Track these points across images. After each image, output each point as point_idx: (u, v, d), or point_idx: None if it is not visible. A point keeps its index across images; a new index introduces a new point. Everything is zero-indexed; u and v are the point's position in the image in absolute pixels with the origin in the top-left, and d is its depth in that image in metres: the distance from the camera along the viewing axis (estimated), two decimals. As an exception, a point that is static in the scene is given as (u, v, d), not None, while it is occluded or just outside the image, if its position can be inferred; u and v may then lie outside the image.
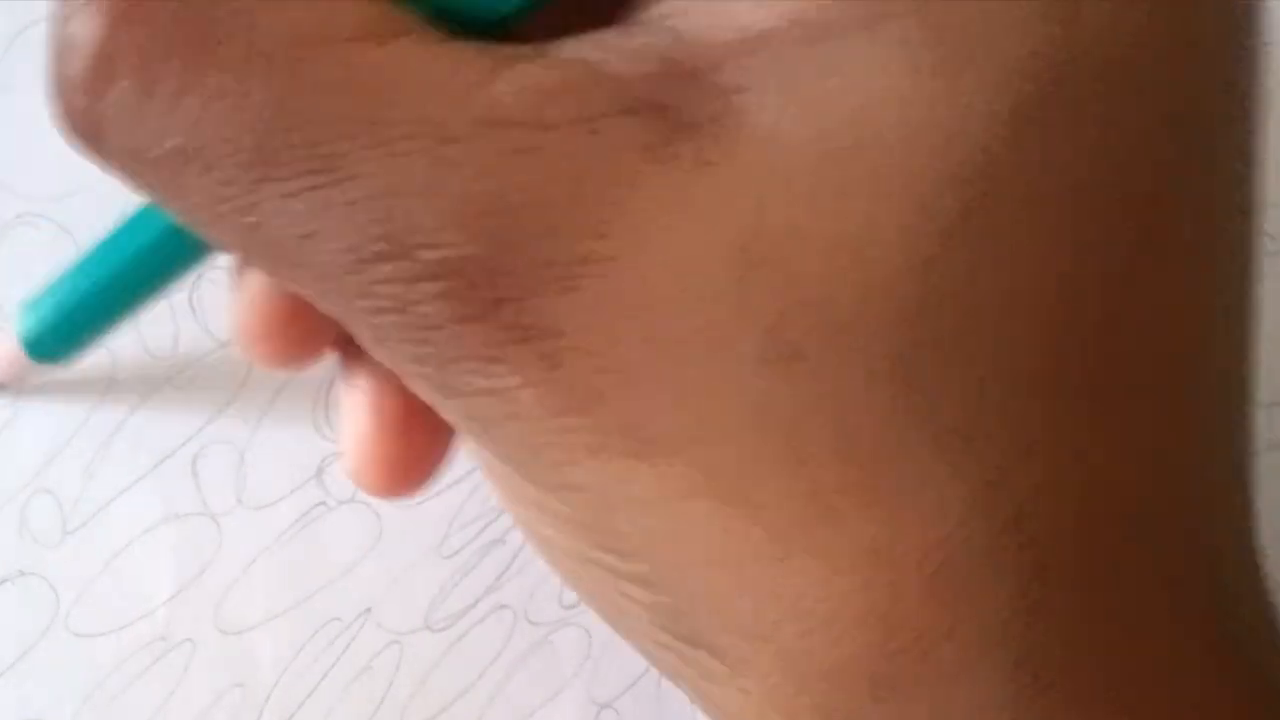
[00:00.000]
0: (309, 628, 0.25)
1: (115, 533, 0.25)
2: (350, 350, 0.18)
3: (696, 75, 0.14)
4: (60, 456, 0.24)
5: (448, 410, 0.15)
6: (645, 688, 0.26)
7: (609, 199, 0.13)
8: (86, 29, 0.14)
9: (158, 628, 0.25)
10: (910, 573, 0.14)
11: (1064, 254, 0.14)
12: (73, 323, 0.21)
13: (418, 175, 0.13)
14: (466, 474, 0.25)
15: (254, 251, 0.15)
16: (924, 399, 0.14)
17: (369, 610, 0.25)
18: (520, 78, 0.14)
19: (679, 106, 0.13)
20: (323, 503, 0.25)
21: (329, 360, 0.19)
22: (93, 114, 0.14)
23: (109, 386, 0.24)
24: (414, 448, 0.18)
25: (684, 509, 0.14)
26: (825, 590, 0.14)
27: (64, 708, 0.24)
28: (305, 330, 0.18)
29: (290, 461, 0.25)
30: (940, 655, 0.14)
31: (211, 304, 0.24)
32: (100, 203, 0.24)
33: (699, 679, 0.16)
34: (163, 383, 0.24)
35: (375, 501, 0.25)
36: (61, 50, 0.14)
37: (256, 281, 0.18)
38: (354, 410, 0.18)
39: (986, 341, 0.14)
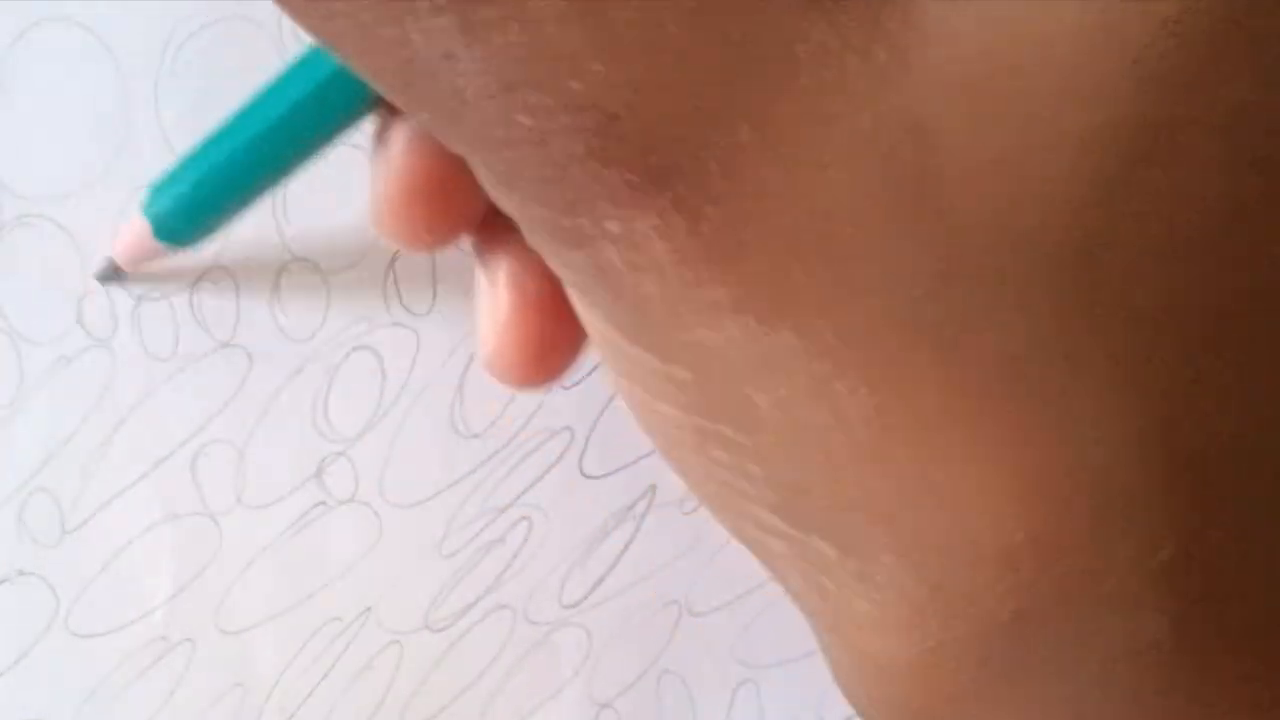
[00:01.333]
0: (309, 628, 0.25)
1: (114, 532, 0.25)
2: (489, 232, 0.18)
3: None
4: (59, 455, 0.24)
5: (569, 263, 0.15)
6: (645, 688, 0.26)
7: (777, 61, 0.13)
8: None
9: (157, 628, 0.25)
10: (1076, 498, 0.14)
11: (1248, 191, 0.13)
12: (203, 198, 0.20)
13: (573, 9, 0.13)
14: (467, 474, 0.25)
15: (393, 75, 0.14)
16: (1100, 327, 0.13)
17: (369, 610, 0.25)
18: None
19: None
20: (322, 502, 0.25)
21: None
22: None
23: (108, 385, 0.24)
24: (555, 330, 0.18)
25: (823, 375, 0.14)
26: (975, 485, 0.14)
27: (64, 708, 0.24)
28: (444, 204, 0.18)
29: (290, 461, 0.25)
30: (1096, 589, 0.14)
31: (211, 304, 0.24)
32: (97, 203, 0.24)
33: (812, 571, 0.15)
34: (162, 382, 0.24)
35: (375, 501, 0.25)
36: None
37: (398, 150, 0.17)
38: (492, 294, 0.18)
39: (1165, 277, 0.13)
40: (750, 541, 0.16)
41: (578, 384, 0.25)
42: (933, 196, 0.13)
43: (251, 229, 0.24)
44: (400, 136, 0.18)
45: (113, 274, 0.24)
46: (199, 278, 0.24)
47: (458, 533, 0.25)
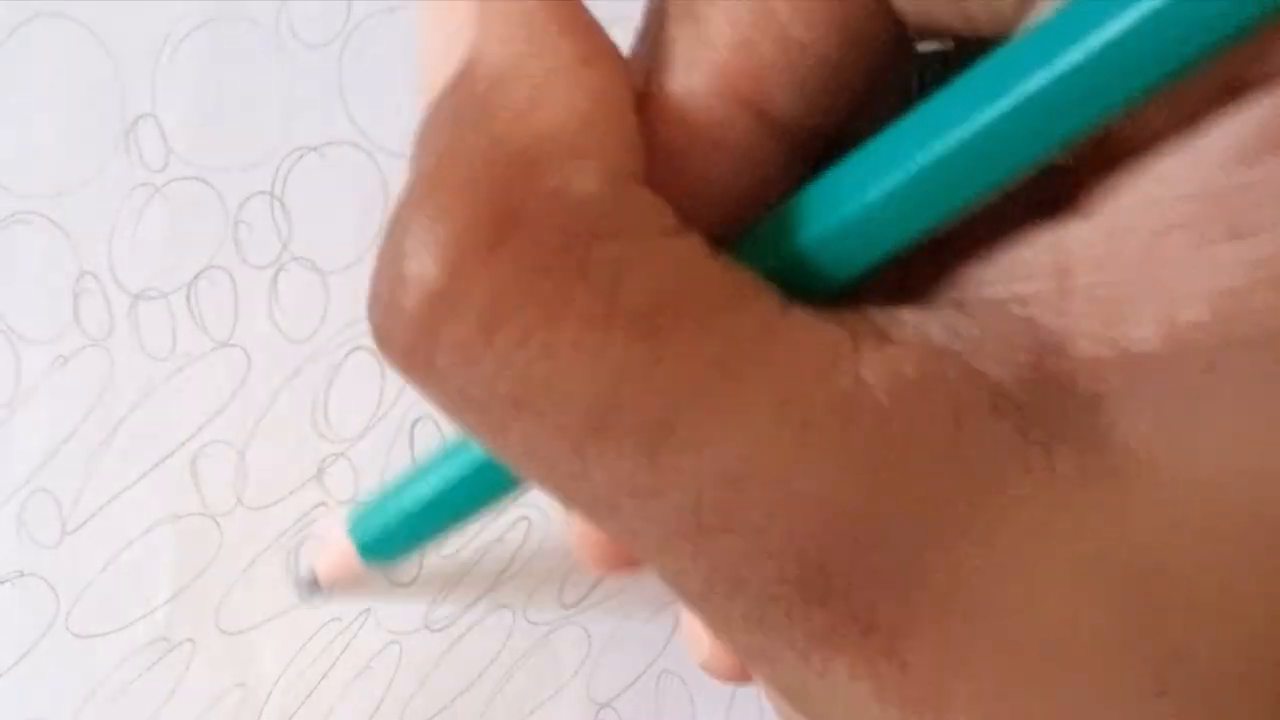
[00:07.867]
0: (309, 628, 0.25)
1: (115, 533, 0.25)
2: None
3: (1069, 386, 0.13)
4: (58, 455, 0.24)
5: (756, 669, 0.15)
6: (645, 688, 0.26)
7: (979, 506, 0.13)
8: (430, 270, 0.13)
9: (158, 628, 0.25)
10: None
11: None
12: (403, 531, 0.22)
13: (774, 456, 0.13)
14: (466, 474, 0.25)
15: (573, 499, 0.14)
16: None
17: (369, 610, 0.25)
18: (885, 362, 0.13)
19: (1051, 415, 0.13)
20: (323, 503, 0.25)
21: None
22: (422, 351, 0.13)
23: (107, 385, 0.24)
24: None
25: None
26: None
27: (64, 708, 0.24)
28: (622, 559, 0.19)
29: (290, 462, 0.25)
30: None
31: (210, 304, 0.24)
32: (94, 201, 0.24)
33: None
34: (161, 382, 0.24)
35: (375, 501, 0.25)
36: (394, 282, 0.13)
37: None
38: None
39: None
40: None
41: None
42: (1158, 625, 0.13)
43: (249, 229, 0.24)
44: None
45: (312, 589, 0.25)
46: (196, 277, 0.24)
47: (457, 533, 0.25)
